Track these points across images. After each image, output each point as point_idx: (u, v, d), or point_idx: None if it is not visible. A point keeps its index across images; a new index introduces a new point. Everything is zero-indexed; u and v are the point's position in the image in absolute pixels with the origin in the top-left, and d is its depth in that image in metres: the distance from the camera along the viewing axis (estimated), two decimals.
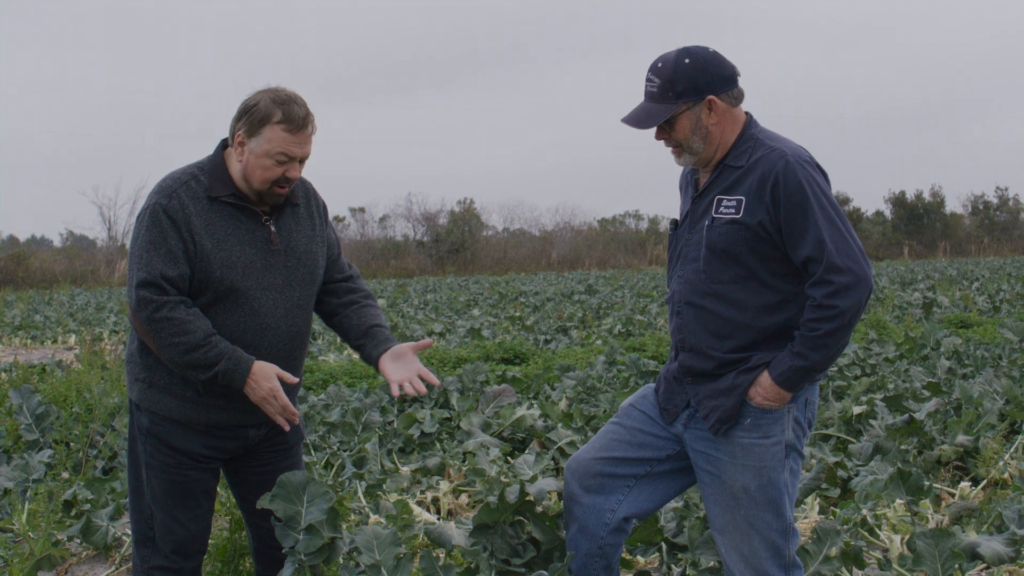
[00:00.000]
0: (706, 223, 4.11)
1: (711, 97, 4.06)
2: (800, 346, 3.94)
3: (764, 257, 4.02)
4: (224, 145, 4.37)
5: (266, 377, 4.22)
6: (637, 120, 4.14)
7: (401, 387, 4.42)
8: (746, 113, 4.20)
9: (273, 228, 4.36)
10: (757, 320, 4.05)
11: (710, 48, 4.12)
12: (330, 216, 4.73)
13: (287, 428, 4.35)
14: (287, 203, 4.41)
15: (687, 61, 4.06)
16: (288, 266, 4.38)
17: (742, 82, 4.16)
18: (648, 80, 4.12)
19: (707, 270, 4.10)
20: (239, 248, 4.27)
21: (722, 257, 4.06)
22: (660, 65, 4.10)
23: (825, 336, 3.89)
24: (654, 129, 4.16)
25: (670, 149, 4.21)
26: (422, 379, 4.46)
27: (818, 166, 4.06)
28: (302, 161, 4.30)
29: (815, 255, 3.89)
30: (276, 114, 4.19)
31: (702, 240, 4.11)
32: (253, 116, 4.20)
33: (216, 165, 4.32)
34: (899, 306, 23.43)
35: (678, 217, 4.37)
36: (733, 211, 4.03)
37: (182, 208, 4.19)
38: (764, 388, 4.01)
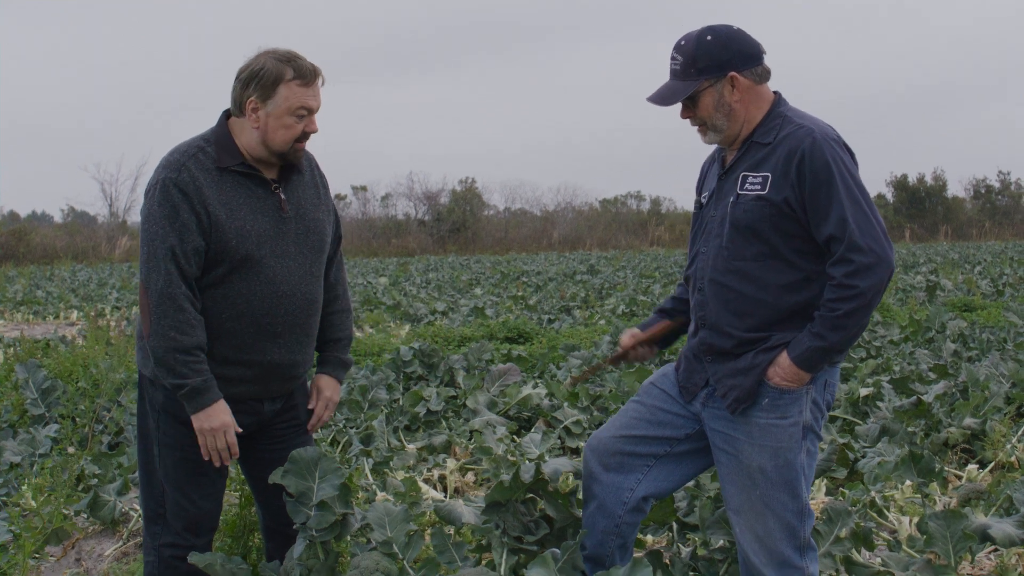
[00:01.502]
0: (731, 199, 4.09)
1: (732, 74, 4.04)
2: (819, 326, 3.91)
3: (787, 235, 3.99)
4: (227, 116, 4.35)
5: (225, 411, 4.21)
6: (661, 98, 4.13)
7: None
8: (775, 92, 4.18)
9: (283, 196, 4.34)
10: (778, 299, 4.02)
11: (735, 26, 4.11)
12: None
13: (217, 464, 4.30)
14: (293, 171, 4.40)
15: (709, 38, 4.05)
16: (299, 233, 4.36)
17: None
18: (672, 58, 4.12)
19: (730, 247, 4.08)
20: (252, 217, 4.24)
21: (745, 234, 4.04)
22: (683, 43, 4.10)
23: (844, 316, 3.86)
24: (678, 108, 4.15)
25: (696, 128, 4.19)
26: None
27: (845, 145, 4.03)
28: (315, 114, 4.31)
29: (837, 234, 3.87)
30: (287, 72, 4.17)
31: (726, 216, 4.09)
32: (263, 79, 4.18)
33: (221, 135, 4.29)
34: (902, 289, 23.41)
35: (696, 195, 4.37)
36: (759, 187, 4.01)
37: (192, 180, 4.16)
38: (783, 368, 3.99)
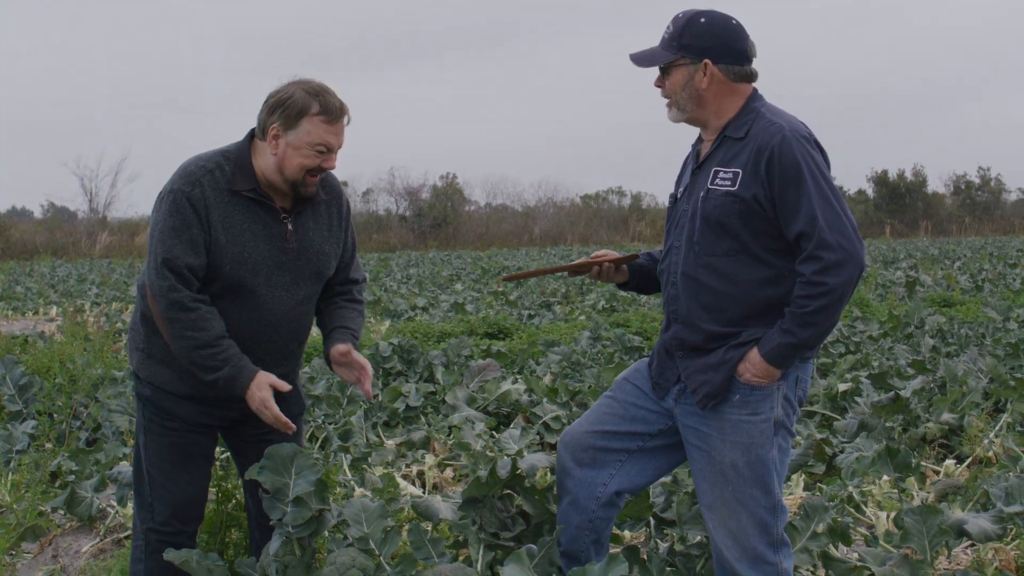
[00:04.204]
0: (701, 194, 4.09)
1: (707, 61, 4.05)
2: (789, 323, 3.90)
3: (757, 231, 3.99)
4: (251, 136, 4.34)
5: (259, 387, 4.22)
6: (639, 58, 4.17)
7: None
8: (753, 88, 4.18)
9: (290, 227, 4.33)
10: (749, 294, 4.02)
11: (735, 19, 4.11)
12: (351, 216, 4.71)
13: (292, 430, 4.34)
14: (309, 201, 4.39)
15: (702, 20, 4.08)
16: (299, 265, 4.37)
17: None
18: (666, 27, 4.15)
19: (701, 242, 4.08)
20: (252, 244, 4.25)
21: (715, 229, 4.03)
22: (680, 15, 4.13)
23: (814, 313, 3.85)
24: (656, 85, 4.20)
25: (665, 103, 4.21)
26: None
27: (817, 143, 4.02)
28: (337, 152, 4.29)
29: (807, 231, 3.85)
30: (313, 106, 4.16)
31: (697, 211, 4.09)
32: (289, 109, 4.17)
33: (242, 156, 4.29)
34: (882, 284, 23.51)
35: (673, 190, 4.36)
36: (729, 183, 4.01)
37: (203, 198, 4.17)
38: (753, 364, 3.99)
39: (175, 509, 4.44)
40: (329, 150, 4.23)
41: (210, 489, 5.48)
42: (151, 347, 4.37)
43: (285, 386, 4.27)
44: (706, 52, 4.05)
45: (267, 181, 4.28)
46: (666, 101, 4.19)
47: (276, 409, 4.24)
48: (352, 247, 4.66)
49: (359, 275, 4.71)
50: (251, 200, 4.26)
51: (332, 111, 4.19)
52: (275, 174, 4.25)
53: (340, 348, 4.46)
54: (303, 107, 4.16)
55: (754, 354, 3.99)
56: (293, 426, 4.31)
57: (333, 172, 4.48)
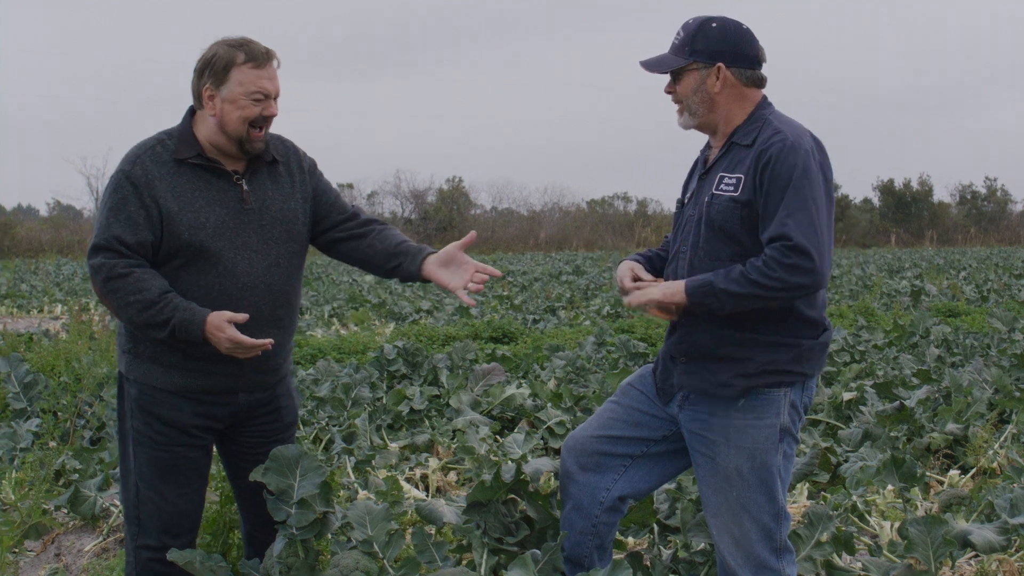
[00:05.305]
0: (706, 199, 4.11)
1: (720, 65, 4.08)
2: (726, 272, 3.90)
3: (759, 237, 3.98)
4: (192, 112, 4.35)
5: (219, 328, 4.13)
6: (650, 64, 4.21)
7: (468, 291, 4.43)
8: (763, 95, 4.19)
9: (246, 187, 4.32)
10: None
11: (744, 25, 4.16)
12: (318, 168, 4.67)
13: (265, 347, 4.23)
14: (262, 161, 4.38)
15: (714, 25, 4.12)
16: (264, 224, 4.34)
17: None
18: (676, 33, 4.19)
19: (705, 247, 4.09)
20: (207, 209, 4.23)
21: (719, 235, 4.04)
22: (690, 22, 4.17)
23: (752, 284, 3.84)
24: (667, 91, 4.23)
25: (676, 108, 4.23)
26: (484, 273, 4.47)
27: (820, 155, 4.01)
28: (276, 99, 4.29)
29: (775, 234, 3.84)
30: (239, 56, 4.18)
31: (702, 216, 4.11)
32: (216, 66, 4.19)
33: (183, 130, 4.31)
34: (887, 294, 23.49)
35: (680, 196, 4.37)
36: (732, 189, 4.02)
37: (145, 173, 4.17)
38: (671, 285, 4.02)
39: (165, 525, 4.38)
40: (266, 96, 4.23)
41: (214, 491, 5.49)
42: (137, 347, 4.32)
43: (242, 318, 4.17)
44: (719, 56, 4.09)
45: (213, 147, 4.28)
46: (677, 107, 4.21)
47: (245, 339, 4.13)
48: (331, 189, 4.66)
49: (356, 207, 4.72)
50: (198, 166, 4.26)
51: (258, 56, 4.20)
52: (219, 135, 4.26)
53: (447, 249, 4.49)
54: (229, 60, 4.18)
55: (680, 281, 4.02)
56: (268, 342, 4.22)
57: (286, 138, 4.51)
